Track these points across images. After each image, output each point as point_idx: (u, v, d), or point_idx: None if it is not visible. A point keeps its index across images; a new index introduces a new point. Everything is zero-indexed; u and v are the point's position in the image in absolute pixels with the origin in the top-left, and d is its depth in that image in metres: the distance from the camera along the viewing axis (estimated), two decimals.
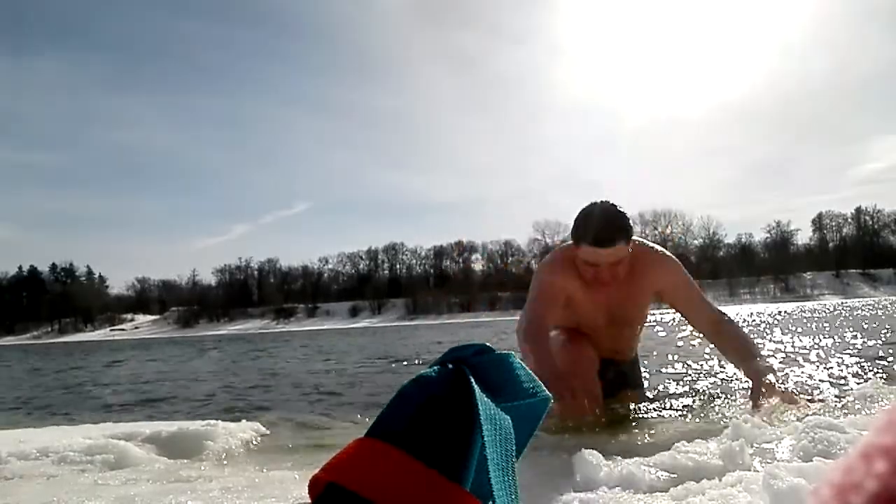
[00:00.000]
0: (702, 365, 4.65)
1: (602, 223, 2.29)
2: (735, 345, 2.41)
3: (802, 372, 3.84)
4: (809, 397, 1.92)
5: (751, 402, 2.03)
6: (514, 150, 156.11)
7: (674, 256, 2.56)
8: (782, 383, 2.17)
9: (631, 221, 2.36)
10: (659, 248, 2.56)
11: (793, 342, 6.45)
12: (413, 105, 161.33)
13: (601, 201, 2.38)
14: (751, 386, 2.15)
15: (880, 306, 23.13)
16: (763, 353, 2.44)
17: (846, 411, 2.31)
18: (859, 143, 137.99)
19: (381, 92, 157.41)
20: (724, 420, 2.34)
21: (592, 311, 2.56)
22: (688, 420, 2.41)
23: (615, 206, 2.36)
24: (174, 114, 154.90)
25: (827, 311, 21.13)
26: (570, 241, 2.50)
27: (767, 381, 2.12)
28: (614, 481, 1.37)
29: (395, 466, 0.54)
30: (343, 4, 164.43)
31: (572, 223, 2.41)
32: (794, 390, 2.06)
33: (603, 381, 2.61)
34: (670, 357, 5.34)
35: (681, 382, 3.61)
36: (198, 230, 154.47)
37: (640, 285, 2.49)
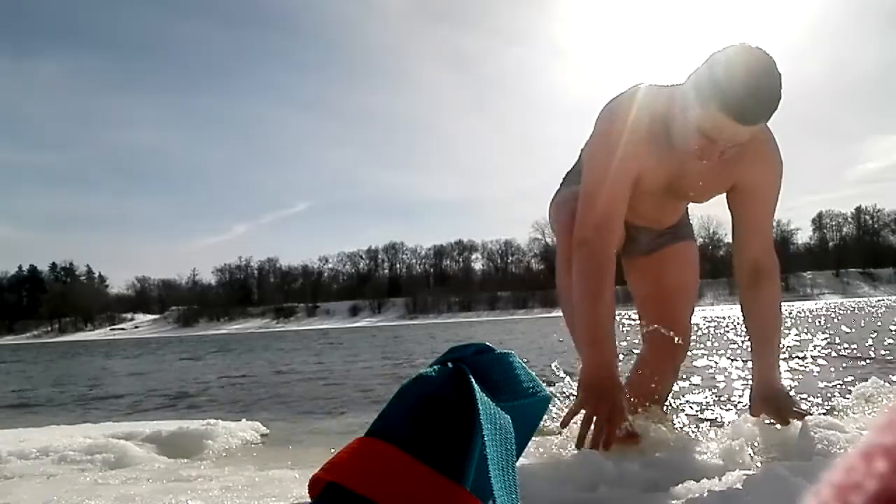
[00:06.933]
0: (700, 368, 4.65)
1: (757, 90, 1.54)
2: (758, 324, 1.92)
3: (802, 372, 3.84)
4: (805, 411, 1.77)
5: (750, 405, 1.94)
6: (515, 150, 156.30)
7: (781, 159, 1.89)
8: (780, 400, 1.75)
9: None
10: (772, 136, 1.86)
11: (792, 342, 6.45)
12: (413, 105, 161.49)
13: (748, 47, 1.58)
14: (752, 390, 1.95)
15: (880, 306, 23.11)
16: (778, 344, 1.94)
17: (846, 411, 2.31)
18: (859, 142, 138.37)
19: (382, 91, 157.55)
20: (724, 420, 2.34)
21: (651, 182, 1.87)
22: (688, 420, 2.42)
23: (770, 59, 1.57)
24: (174, 113, 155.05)
25: (827, 310, 21.13)
26: (645, 86, 1.79)
27: (770, 394, 1.77)
28: (614, 481, 1.37)
29: (395, 466, 0.54)
30: (343, 4, 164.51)
31: (701, 71, 1.61)
32: (794, 400, 1.90)
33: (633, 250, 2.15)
34: None
35: (680, 381, 3.61)
36: (198, 230, 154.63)
37: (727, 170, 1.77)
